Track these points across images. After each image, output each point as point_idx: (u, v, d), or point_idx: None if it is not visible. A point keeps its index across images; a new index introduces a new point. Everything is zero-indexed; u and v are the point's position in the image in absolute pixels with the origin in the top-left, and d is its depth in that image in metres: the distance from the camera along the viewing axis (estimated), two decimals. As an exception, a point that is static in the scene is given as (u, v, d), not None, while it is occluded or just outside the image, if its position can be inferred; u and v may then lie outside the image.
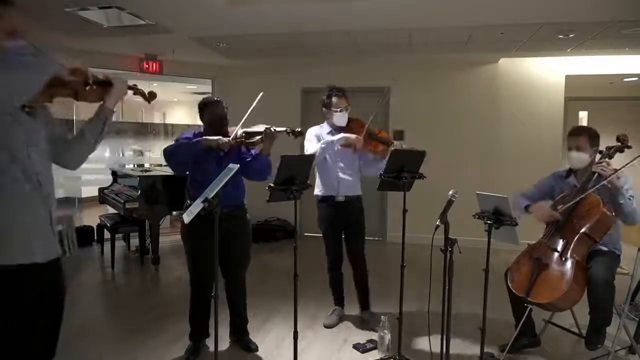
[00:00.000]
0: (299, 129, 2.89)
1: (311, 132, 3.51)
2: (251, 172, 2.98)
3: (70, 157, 1.85)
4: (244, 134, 2.92)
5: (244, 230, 3.13)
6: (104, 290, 4.48)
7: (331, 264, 3.59)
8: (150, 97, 2.03)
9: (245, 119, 2.91)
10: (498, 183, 5.29)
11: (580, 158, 2.94)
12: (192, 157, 2.83)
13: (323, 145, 3.32)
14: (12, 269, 1.57)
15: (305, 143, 3.47)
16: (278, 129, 2.90)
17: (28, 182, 1.61)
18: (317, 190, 3.54)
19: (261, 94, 2.83)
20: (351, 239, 3.55)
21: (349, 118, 3.44)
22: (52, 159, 1.80)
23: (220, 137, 2.82)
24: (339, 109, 3.39)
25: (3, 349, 1.61)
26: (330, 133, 3.46)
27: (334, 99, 3.41)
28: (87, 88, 1.70)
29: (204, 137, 2.83)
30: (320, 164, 3.45)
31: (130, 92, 1.93)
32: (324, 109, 3.48)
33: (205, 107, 3.01)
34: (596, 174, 2.80)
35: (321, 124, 3.56)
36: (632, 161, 2.70)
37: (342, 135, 3.32)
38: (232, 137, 2.85)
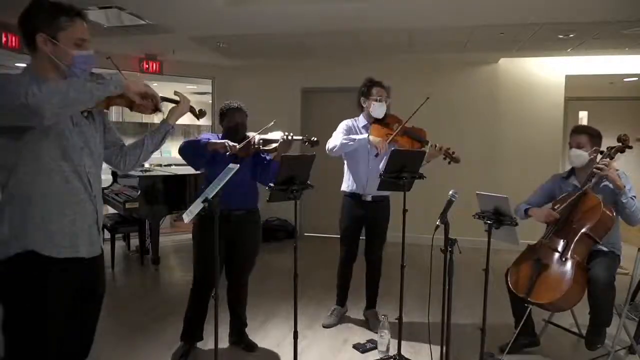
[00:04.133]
0: (315, 139, 2.79)
1: (342, 124, 3.47)
2: (264, 177, 2.97)
3: (126, 160, 1.98)
4: (261, 141, 2.91)
5: (254, 234, 3.11)
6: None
7: (343, 261, 3.57)
8: (200, 114, 2.14)
9: (262, 128, 2.92)
10: (498, 183, 5.30)
11: (579, 155, 2.94)
12: (198, 157, 2.86)
13: (343, 141, 3.29)
14: (58, 261, 1.65)
15: (333, 134, 3.43)
16: (295, 137, 2.85)
17: (79, 182, 1.71)
18: (345, 186, 3.51)
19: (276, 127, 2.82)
20: (372, 238, 3.53)
21: (385, 113, 3.41)
22: (106, 160, 1.94)
23: (226, 140, 2.82)
24: (378, 98, 3.35)
25: (38, 344, 1.65)
26: (365, 127, 3.42)
27: (374, 89, 3.36)
28: (144, 102, 1.81)
29: (210, 141, 2.83)
30: (350, 159, 3.42)
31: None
32: (362, 98, 3.43)
33: (225, 113, 3.01)
34: (596, 175, 2.81)
35: (356, 117, 3.52)
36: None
37: (365, 136, 3.27)
38: (244, 143, 2.84)
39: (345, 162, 3.50)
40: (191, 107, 2.09)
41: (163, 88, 7.58)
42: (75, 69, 1.65)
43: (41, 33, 1.61)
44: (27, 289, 1.63)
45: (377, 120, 3.38)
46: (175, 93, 1.98)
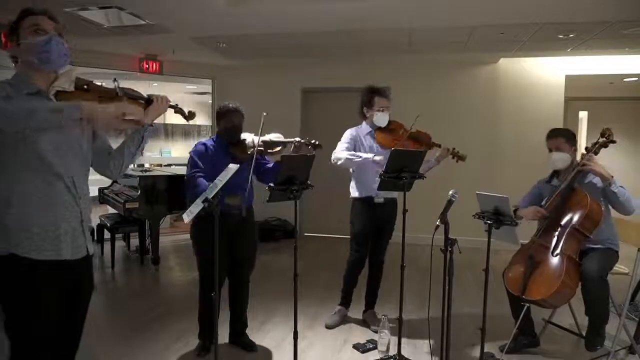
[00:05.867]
0: (318, 142, 2.82)
1: (347, 135, 3.47)
2: (267, 177, 2.95)
3: (112, 167, 1.94)
4: (262, 144, 2.89)
5: (252, 232, 3.13)
6: (104, 290, 4.48)
7: (354, 265, 3.51)
8: (190, 116, 2.09)
9: (260, 130, 2.87)
10: (498, 183, 5.30)
11: (561, 158, 2.97)
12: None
13: (348, 157, 3.29)
14: (40, 264, 1.64)
15: (338, 144, 3.44)
16: (301, 140, 2.84)
17: (62, 183, 1.69)
18: (354, 190, 3.49)
19: (264, 114, 2.77)
20: (379, 240, 3.52)
21: (389, 120, 3.42)
22: (95, 168, 1.93)
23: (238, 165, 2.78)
24: (380, 108, 3.37)
25: (27, 347, 1.65)
26: (370, 134, 3.44)
27: (376, 98, 3.38)
28: (129, 103, 1.78)
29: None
30: (359, 166, 3.40)
31: (171, 110, 2.02)
32: (364, 108, 3.45)
33: (223, 115, 2.99)
34: (581, 171, 2.83)
35: (359, 125, 3.52)
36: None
37: (370, 157, 3.26)
38: (252, 152, 2.81)
39: (353, 169, 3.49)
40: (180, 108, 2.05)
41: (163, 88, 7.60)
42: (39, 56, 1.64)
43: (9, 43, 1.67)
44: (10, 293, 1.63)
45: (380, 128, 3.40)
46: (150, 96, 1.93)
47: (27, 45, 1.65)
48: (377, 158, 3.24)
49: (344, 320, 3.63)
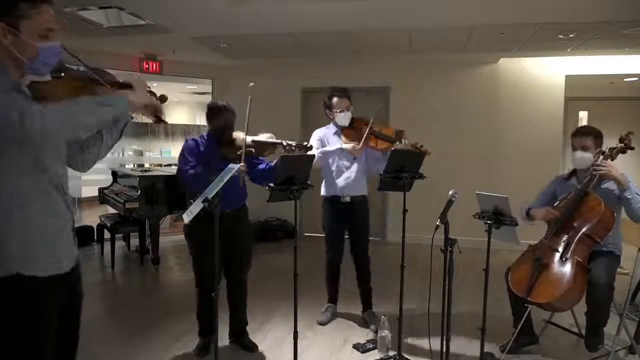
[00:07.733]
0: (308, 144, 2.82)
1: (315, 136, 3.53)
2: (263, 179, 2.95)
3: (85, 159, 1.77)
4: (252, 143, 2.88)
5: (246, 231, 3.15)
6: (104, 290, 4.49)
7: (329, 263, 3.59)
8: (162, 99, 1.92)
9: (247, 125, 2.85)
10: (498, 183, 5.29)
11: (584, 158, 2.92)
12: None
13: (319, 155, 3.33)
14: (43, 281, 1.49)
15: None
16: (290, 142, 2.82)
17: (57, 191, 1.56)
18: (323, 190, 3.55)
19: (250, 96, 2.69)
20: (356, 239, 3.56)
21: (352, 118, 3.45)
22: (66, 163, 1.73)
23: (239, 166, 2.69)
24: (339, 110, 3.41)
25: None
26: (336, 133, 3.48)
27: (334, 100, 3.43)
28: (107, 90, 1.63)
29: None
30: (326, 163, 3.46)
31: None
32: (326, 110, 3.50)
33: (214, 113, 2.97)
34: (597, 175, 2.79)
35: (327, 125, 3.57)
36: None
37: (339, 146, 3.36)
38: (242, 153, 2.78)
39: (322, 166, 3.51)
40: (151, 91, 1.85)
41: (163, 88, 7.61)
42: (39, 63, 1.45)
43: None
44: (16, 319, 1.46)
45: (346, 127, 3.45)
46: (125, 80, 1.72)
47: (34, 50, 1.42)
48: (346, 146, 3.33)
49: (335, 316, 3.67)
